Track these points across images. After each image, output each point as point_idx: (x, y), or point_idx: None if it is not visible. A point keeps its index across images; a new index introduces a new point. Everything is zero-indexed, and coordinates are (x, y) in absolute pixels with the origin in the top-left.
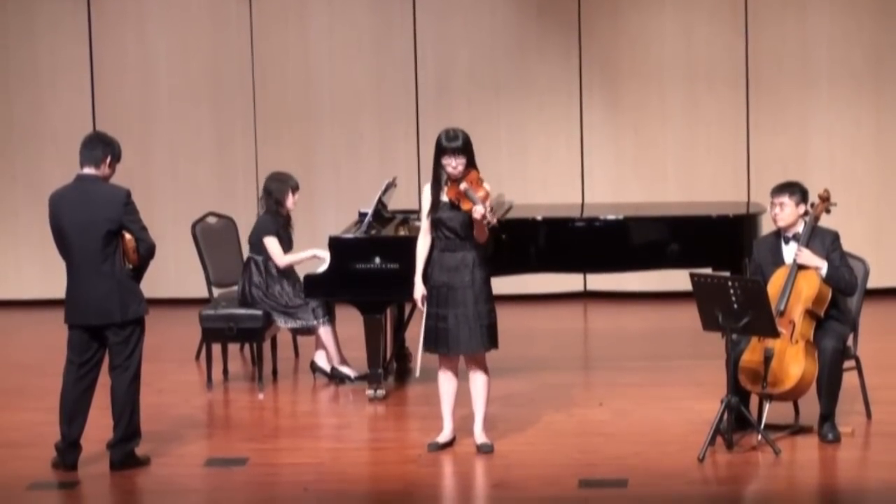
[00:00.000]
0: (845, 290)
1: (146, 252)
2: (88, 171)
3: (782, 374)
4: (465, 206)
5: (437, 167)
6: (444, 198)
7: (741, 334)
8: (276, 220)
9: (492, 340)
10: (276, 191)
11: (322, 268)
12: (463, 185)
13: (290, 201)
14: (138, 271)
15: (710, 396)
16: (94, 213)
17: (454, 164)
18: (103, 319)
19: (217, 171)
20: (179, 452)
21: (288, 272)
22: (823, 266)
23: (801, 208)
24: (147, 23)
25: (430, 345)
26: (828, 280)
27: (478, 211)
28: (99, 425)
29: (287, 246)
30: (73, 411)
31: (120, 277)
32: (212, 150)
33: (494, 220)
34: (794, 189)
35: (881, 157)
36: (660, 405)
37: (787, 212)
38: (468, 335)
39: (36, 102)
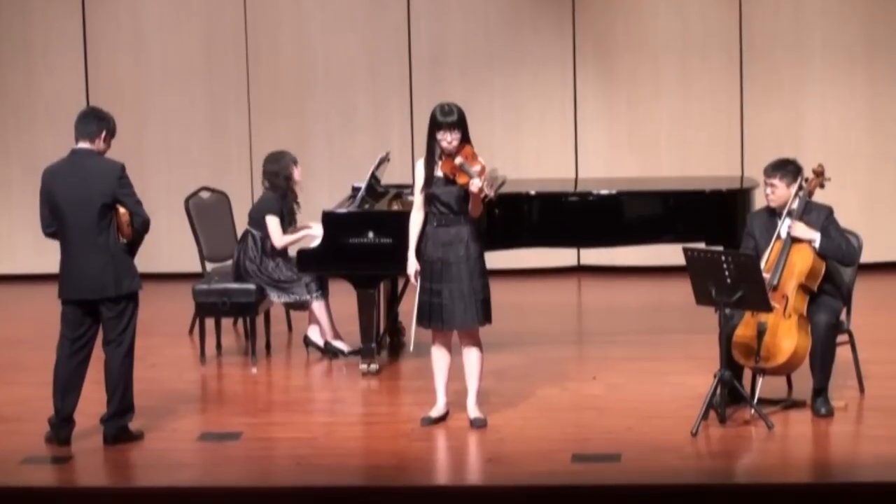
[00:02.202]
0: (844, 259)
1: (140, 226)
2: (83, 145)
3: (775, 349)
4: (460, 180)
5: (432, 142)
6: (439, 173)
7: (734, 309)
8: (280, 201)
9: (486, 315)
10: (282, 168)
11: (315, 243)
12: (458, 160)
13: (297, 173)
14: (132, 245)
15: (704, 371)
16: (88, 188)
17: (449, 139)
18: (98, 294)
19: (210, 145)
20: (173, 427)
21: (283, 251)
22: (817, 237)
23: (793, 188)
24: None
25: (423, 320)
26: (823, 252)
27: (475, 185)
28: (92, 400)
29: (288, 225)
30: (67, 386)
31: (114, 251)
32: (205, 124)
33: (492, 194)
34: (786, 170)
35: (875, 131)
36: (653, 379)
37: (778, 193)
38: (463, 310)
39: (29, 75)
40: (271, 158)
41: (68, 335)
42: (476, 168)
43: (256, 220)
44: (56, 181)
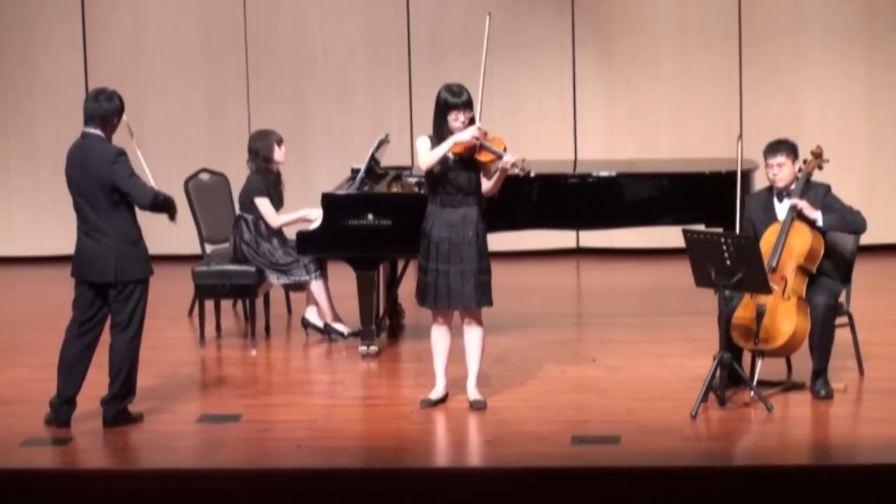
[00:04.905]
0: (850, 228)
1: (144, 206)
2: (89, 129)
3: (774, 331)
4: (483, 157)
5: (442, 123)
6: (450, 154)
7: (734, 290)
8: (266, 179)
9: (489, 296)
10: (262, 148)
11: (314, 225)
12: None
13: (278, 154)
14: (162, 210)
15: (703, 353)
16: (89, 172)
17: (462, 119)
18: (99, 278)
19: (209, 127)
20: (172, 409)
21: (278, 230)
22: (819, 216)
23: (797, 165)
24: None
25: (428, 300)
26: (828, 227)
27: (508, 160)
28: (93, 383)
29: (277, 204)
30: (71, 368)
31: (119, 237)
32: (204, 105)
33: (529, 167)
34: (789, 147)
35: (873, 115)
36: (652, 362)
37: (785, 171)
38: (471, 290)
39: (27, 58)
40: (256, 136)
41: (78, 317)
42: (500, 145)
43: (245, 203)
44: (69, 163)
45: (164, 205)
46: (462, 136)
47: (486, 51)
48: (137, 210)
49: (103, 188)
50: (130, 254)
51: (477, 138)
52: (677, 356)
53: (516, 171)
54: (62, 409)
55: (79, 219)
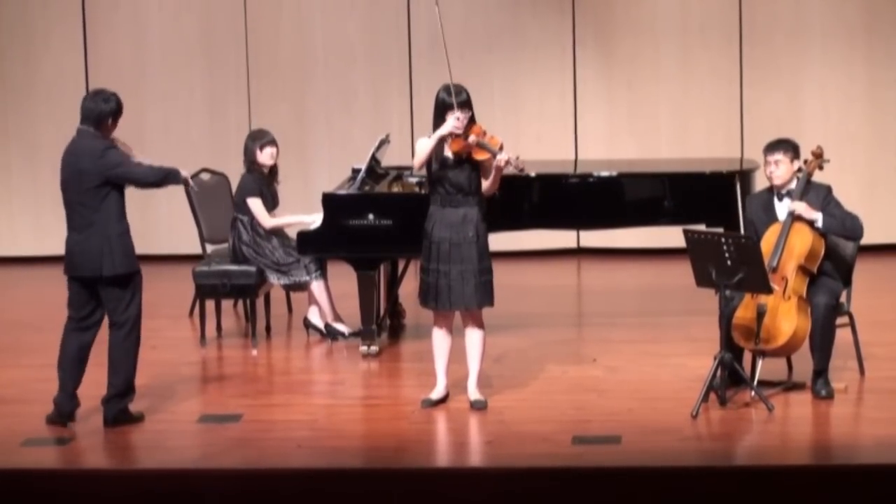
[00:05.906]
0: (849, 234)
1: (150, 184)
2: (83, 126)
3: (775, 331)
4: (479, 155)
5: (441, 123)
6: (448, 153)
7: (734, 290)
8: (258, 179)
9: (491, 297)
10: (246, 149)
11: (315, 225)
12: (472, 138)
13: (261, 157)
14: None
15: (704, 353)
16: (79, 168)
17: (462, 119)
18: (89, 272)
19: (210, 127)
20: (173, 409)
21: (279, 230)
22: (819, 217)
23: (796, 164)
24: None
25: (430, 301)
26: (827, 230)
27: (502, 158)
28: (93, 382)
29: (272, 203)
30: (67, 366)
31: (107, 233)
32: (205, 106)
33: (523, 165)
34: (788, 146)
35: (874, 115)
36: (653, 362)
37: (782, 169)
38: (472, 290)
39: (28, 58)
40: (248, 135)
41: (73, 315)
42: (496, 143)
43: (239, 204)
44: (62, 160)
45: (169, 175)
46: (442, 130)
47: (443, 37)
48: (128, 207)
49: (93, 183)
50: (115, 248)
51: (458, 128)
52: (678, 356)
53: (510, 168)
54: (66, 403)
55: (68, 216)
